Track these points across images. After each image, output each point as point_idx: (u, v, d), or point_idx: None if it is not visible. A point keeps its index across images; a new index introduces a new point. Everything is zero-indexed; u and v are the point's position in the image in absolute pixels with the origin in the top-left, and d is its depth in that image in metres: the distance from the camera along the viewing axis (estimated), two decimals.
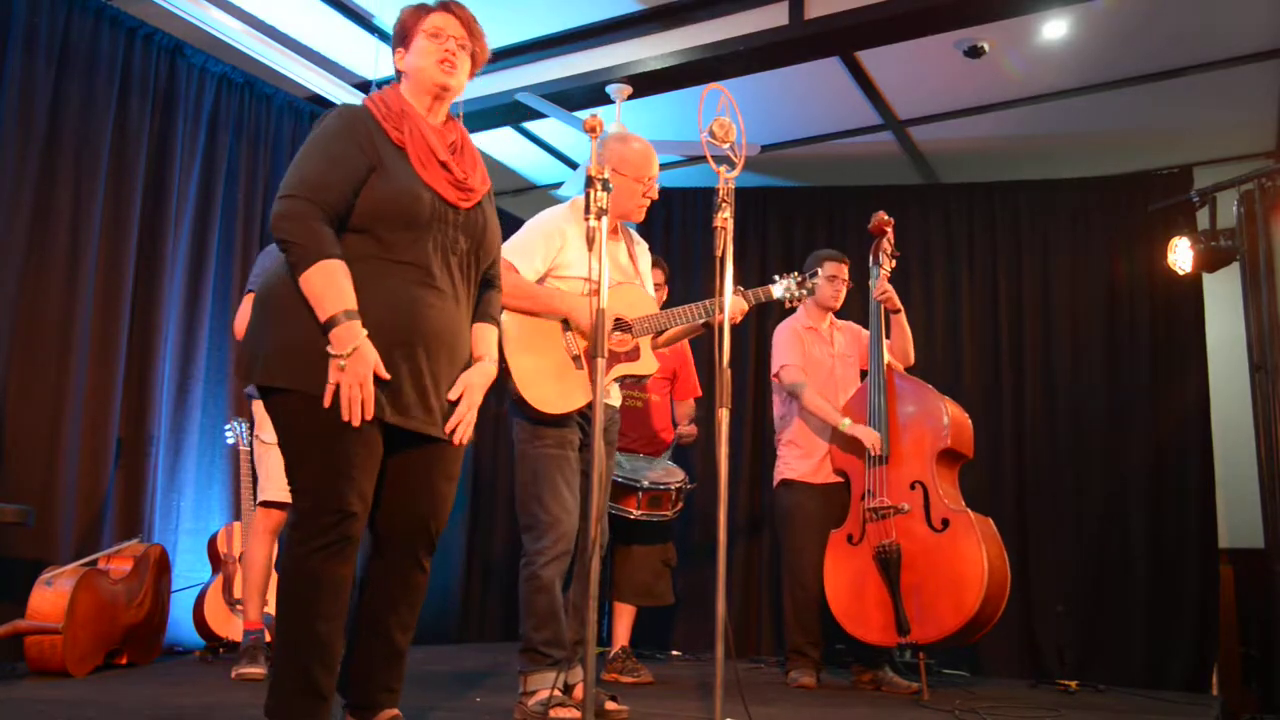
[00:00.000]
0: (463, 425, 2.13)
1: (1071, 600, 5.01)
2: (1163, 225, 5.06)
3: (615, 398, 3.09)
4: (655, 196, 3.03)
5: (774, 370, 4.17)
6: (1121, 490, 5.17)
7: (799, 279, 3.13)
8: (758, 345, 5.70)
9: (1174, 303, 5.21)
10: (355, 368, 1.92)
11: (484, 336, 2.25)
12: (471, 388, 2.16)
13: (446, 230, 2.12)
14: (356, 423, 1.93)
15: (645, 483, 3.87)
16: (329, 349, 1.93)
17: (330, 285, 1.95)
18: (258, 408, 3.72)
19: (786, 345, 4.14)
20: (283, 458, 2.04)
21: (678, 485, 3.96)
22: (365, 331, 1.95)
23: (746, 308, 3.07)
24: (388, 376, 1.98)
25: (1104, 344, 5.36)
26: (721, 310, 2.46)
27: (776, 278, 3.15)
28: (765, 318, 5.57)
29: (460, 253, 2.16)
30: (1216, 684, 4.87)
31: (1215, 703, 4.25)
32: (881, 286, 3.97)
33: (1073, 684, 4.27)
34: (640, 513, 3.87)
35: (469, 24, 2.25)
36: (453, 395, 2.12)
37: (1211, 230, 4.54)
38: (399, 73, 2.26)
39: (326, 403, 1.92)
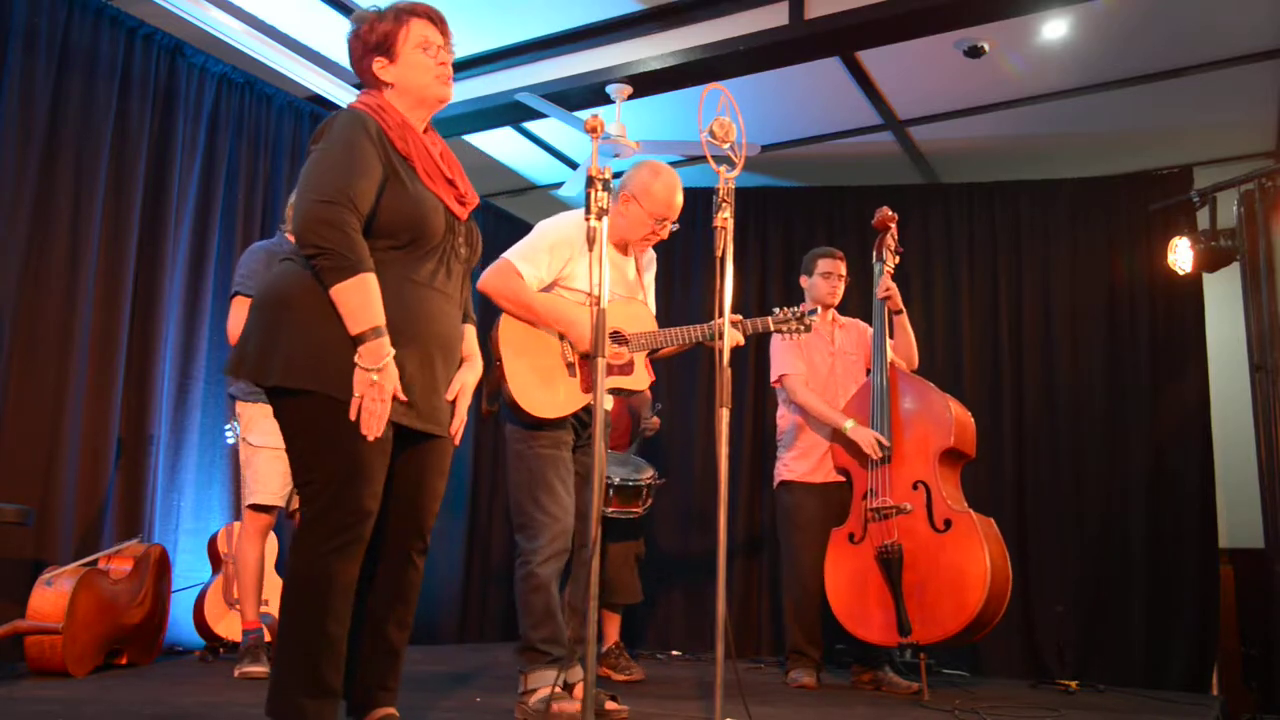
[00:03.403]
0: (460, 423, 2.22)
1: (1071, 600, 5.01)
2: (1163, 225, 5.07)
3: (607, 403, 3.09)
4: (664, 237, 3.01)
5: (773, 379, 4.19)
6: (1121, 490, 5.16)
7: (797, 314, 3.13)
8: (757, 345, 5.70)
9: (1174, 303, 5.21)
10: (384, 383, 1.97)
11: (470, 336, 2.33)
12: (466, 388, 2.25)
13: (453, 240, 2.18)
14: (372, 436, 1.96)
15: (616, 480, 3.87)
16: (359, 361, 1.96)
17: (366, 299, 1.96)
18: (244, 409, 3.70)
19: (785, 352, 4.15)
20: (291, 459, 2.04)
21: (648, 482, 3.96)
22: (393, 351, 1.98)
23: (742, 340, 3.05)
24: (405, 399, 2.02)
25: (1104, 344, 5.35)
26: (721, 317, 2.46)
27: (776, 310, 3.15)
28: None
29: (462, 259, 2.23)
30: (1216, 684, 4.87)
31: (1215, 703, 4.25)
32: (885, 284, 3.97)
33: (1073, 684, 4.27)
34: (611, 510, 3.89)
35: (447, 32, 2.24)
36: (450, 395, 2.20)
37: (1211, 230, 4.54)
38: (376, 80, 2.20)
39: (353, 415, 1.95)
